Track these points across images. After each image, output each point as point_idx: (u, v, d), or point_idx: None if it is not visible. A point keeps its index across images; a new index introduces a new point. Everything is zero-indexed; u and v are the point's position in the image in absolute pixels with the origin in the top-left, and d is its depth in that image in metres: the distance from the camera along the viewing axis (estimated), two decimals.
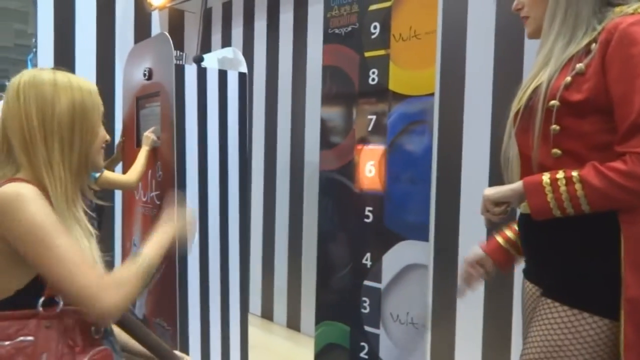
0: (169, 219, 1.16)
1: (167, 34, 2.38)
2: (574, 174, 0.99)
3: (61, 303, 0.98)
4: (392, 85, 1.96)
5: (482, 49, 2.40)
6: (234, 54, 2.68)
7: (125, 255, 2.84)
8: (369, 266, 2.04)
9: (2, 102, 1.21)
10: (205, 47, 4.04)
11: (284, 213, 3.48)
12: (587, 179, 0.97)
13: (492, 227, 1.23)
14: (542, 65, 1.08)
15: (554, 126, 1.03)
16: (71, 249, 0.95)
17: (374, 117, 2.04)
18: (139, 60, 2.63)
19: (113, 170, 2.60)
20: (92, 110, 1.08)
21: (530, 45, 2.17)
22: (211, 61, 2.74)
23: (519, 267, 1.26)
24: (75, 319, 0.99)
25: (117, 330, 1.14)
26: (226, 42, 3.97)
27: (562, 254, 1.06)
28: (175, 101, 2.29)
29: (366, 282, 2.05)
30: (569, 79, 1.01)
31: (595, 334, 0.99)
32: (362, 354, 2.07)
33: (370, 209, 2.04)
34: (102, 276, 0.98)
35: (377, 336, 2.02)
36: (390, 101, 1.97)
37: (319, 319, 2.24)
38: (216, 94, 2.46)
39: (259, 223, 3.66)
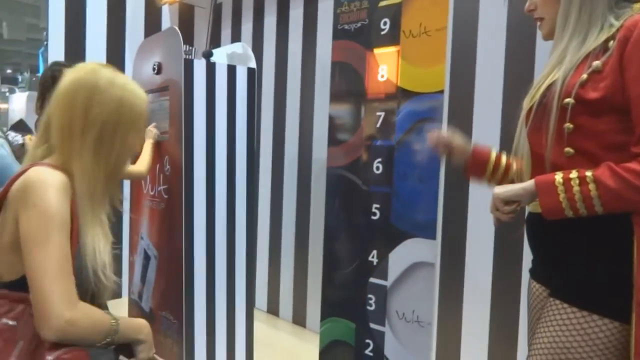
0: (148, 338, 1.09)
1: (177, 28, 2.38)
2: (588, 174, 0.97)
3: None
4: (402, 82, 1.95)
5: (493, 47, 2.37)
6: (243, 49, 2.68)
7: (132, 248, 2.86)
8: (375, 263, 2.04)
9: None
10: (215, 42, 4.04)
11: (291, 209, 3.48)
12: (602, 180, 0.95)
13: (501, 226, 1.22)
14: (556, 64, 1.06)
15: (567, 124, 1.01)
16: (61, 251, 0.94)
17: (382, 114, 2.02)
18: (149, 54, 2.63)
19: None
20: (139, 117, 1.10)
21: (542, 44, 2.15)
22: (220, 56, 2.74)
23: (526, 266, 1.24)
24: None
25: None
26: (236, 38, 3.97)
27: (572, 254, 1.05)
28: (184, 96, 2.29)
29: (372, 280, 2.04)
30: (585, 76, 1.00)
31: (605, 337, 0.98)
32: (367, 351, 2.07)
33: (378, 206, 2.03)
34: (71, 292, 0.95)
35: (382, 334, 2.01)
36: (399, 98, 1.96)
37: (325, 315, 2.23)
38: (225, 89, 2.46)
39: (266, 218, 3.67)
